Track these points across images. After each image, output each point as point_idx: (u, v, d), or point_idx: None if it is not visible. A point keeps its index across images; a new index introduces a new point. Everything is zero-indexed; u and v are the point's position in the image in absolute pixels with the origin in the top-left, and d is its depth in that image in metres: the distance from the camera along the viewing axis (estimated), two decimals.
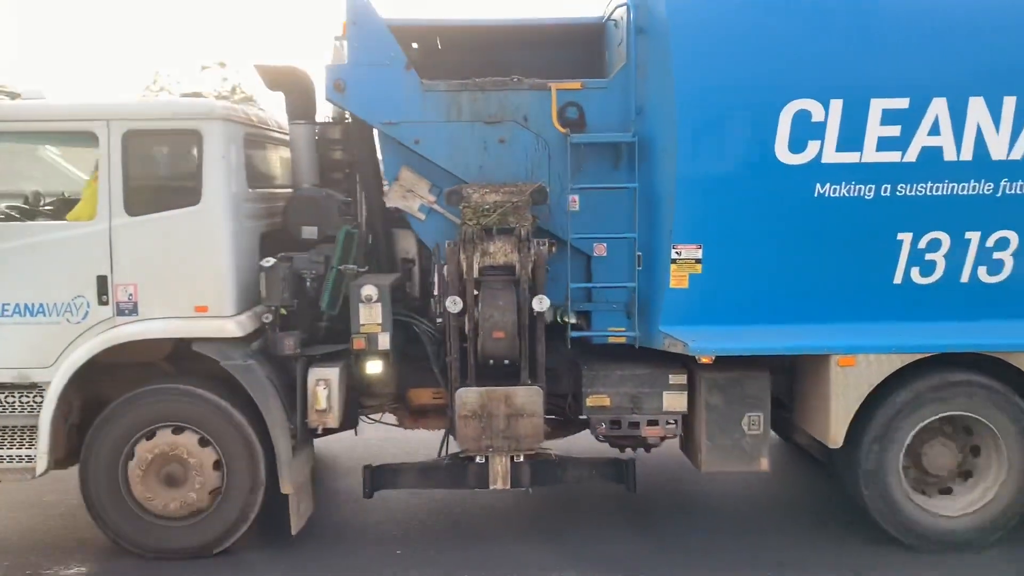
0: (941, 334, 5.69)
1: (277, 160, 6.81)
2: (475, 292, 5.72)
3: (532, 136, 5.98)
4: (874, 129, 5.52)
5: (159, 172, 5.81)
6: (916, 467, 5.92)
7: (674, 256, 5.66)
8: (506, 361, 5.71)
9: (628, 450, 6.40)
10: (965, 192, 5.59)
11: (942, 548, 5.80)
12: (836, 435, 5.73)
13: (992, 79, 5.52)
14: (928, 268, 5.68)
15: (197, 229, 5.65)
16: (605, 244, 6.00)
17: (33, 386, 5.71)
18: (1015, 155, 5.55)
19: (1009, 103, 5.51)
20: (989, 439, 5.83)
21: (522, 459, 5.87)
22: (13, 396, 5.73)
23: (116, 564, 5.78)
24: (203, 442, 5.70)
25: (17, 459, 5.69)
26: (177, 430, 5.70)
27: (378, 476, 5.96)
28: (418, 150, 6.00)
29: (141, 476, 5.67)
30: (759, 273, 5.70)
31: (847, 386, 5.70)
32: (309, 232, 6.23)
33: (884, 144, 5.54)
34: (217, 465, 5.71)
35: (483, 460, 5.84)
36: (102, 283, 5.62)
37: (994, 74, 5.53)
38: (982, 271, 5.68)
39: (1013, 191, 5.58)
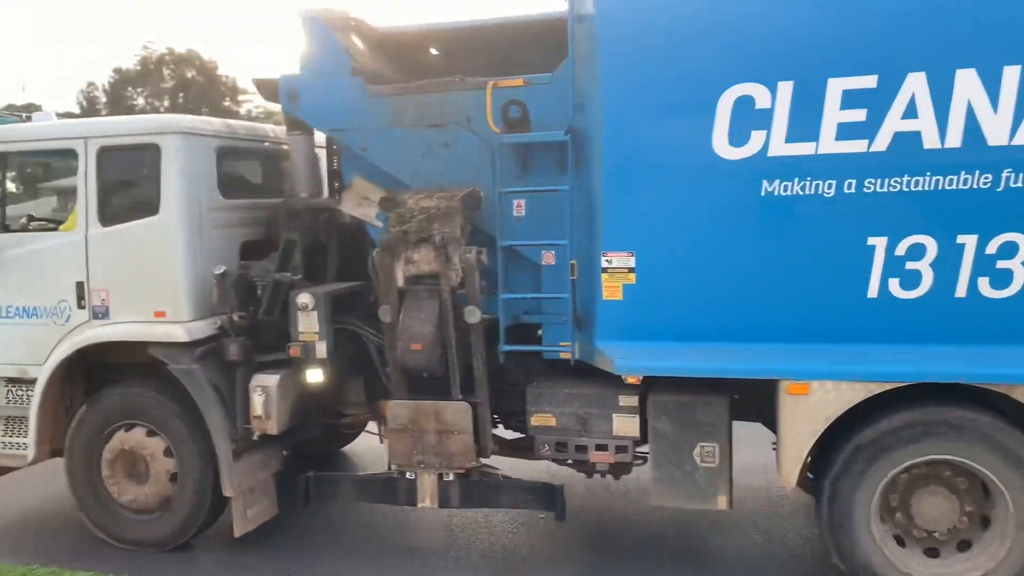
0: (925, 360, 4.66)
1: (274, 170, 6.98)
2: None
3: (476, 139, 5.66)
4: (833, 114, 4.66)
5: (127, 185, 6.18)
6: (905, 522, 4.90)
7: (605, 264, 5.11)
8: (424, 374, 5.45)
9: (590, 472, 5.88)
10: (955, 187, 4.55)
11: None
12: (787, 474, 4.89)
13: (987, 45, 4.45)
14: (911, 280, 4.67)
15: (156, 238, 5.94)
16: (553, 252, 5.55)
17: (33, 381, 6.28)
18: (1020, 139, 4.43)
19: (1011, 74, 4.41)
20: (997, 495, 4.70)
21: (451, 477, 5.57)
22: (21, 390, 6.35)
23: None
24: (159, 441, 5.99)
25: (16, 447, 6.29)
26: (141, 429, 6.03)
27: (317, 486, 5.92)
28: (366, 157, 5.91)
29: (110, 471, 6.07)
30: (699, 284, 4.98)
31: (799, 418, 4.84)
32: None
33: (846, 131, 4.65)
34: (172, 464, 5.98)
35: (414, 476, 5.62)
36: (80, 289, 6.08)
37: (990, 39, 4.45)
38: (983, 283, 4.58)
39: (1019, 184, 4.46)
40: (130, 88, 39.77)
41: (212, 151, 6.15)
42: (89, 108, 37.36)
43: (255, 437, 5.85)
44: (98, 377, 6.38)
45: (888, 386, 4.73)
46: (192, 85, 38.87)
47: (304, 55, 5.94)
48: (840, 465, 4.85)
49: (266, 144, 6.84)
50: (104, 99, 39.27)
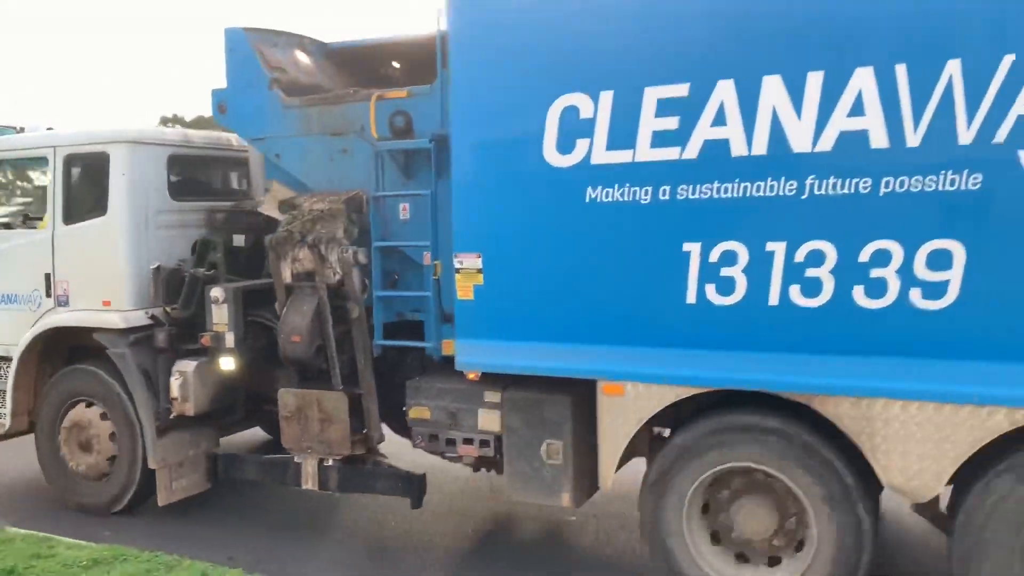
0: (736, 366, 4.66)
1: (240, 176, 7.61)
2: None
3: (369, 146, 6.05)
4: (648, 122, 4.75)
5: (84, 188, 6.93)
6: (724, 526, 4.90)
7: (457, 265, 5.38)
8: (303, 365, 5.89)
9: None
10: (761, 194, 4.54)
11: None
12: (604, 476, 5.00)
13: (792, 51, 4.43)
14: (726, 286, 4.68)
15: (103, 236, 6.67)
16: (429, 253, 5.86)
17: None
18: (823, 147, 4.38)
19: (814, 80, 4.38)
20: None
21: (331, 463, 5.98)
22: (5, 367, 7.26)
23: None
24: (103, 416, 6.73)
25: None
26: (89, 404, 6.80)
27: (224, 464, 6.48)
28: (279, 164, 6.42)
29: (65, 442, 6.87)
30: (537, 286, 5.16)
31: (614, 418, 4.94)
32: (238, 240, 6.98)
33: (660, 139, 4.73)
34: (113, 436, 6.70)
35: (300, 460, 6.07)
36: (48, 280, 6.91)
37: (794, 45, 4.43)
38: (794, 292, 4.54)
39: (823, 192, 4.41)
40: None
41: (163, 159, 6.84)
42: None
43: (171, 417, 6.46)
44: (76, 358, 7.21)
45: (693, 391, 4.76)
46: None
47: (228, 70, 6.52)
48: (654, 470, 4.91)
49: (228, 152, 7.48)
50: None
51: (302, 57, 6.99)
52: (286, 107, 6.33)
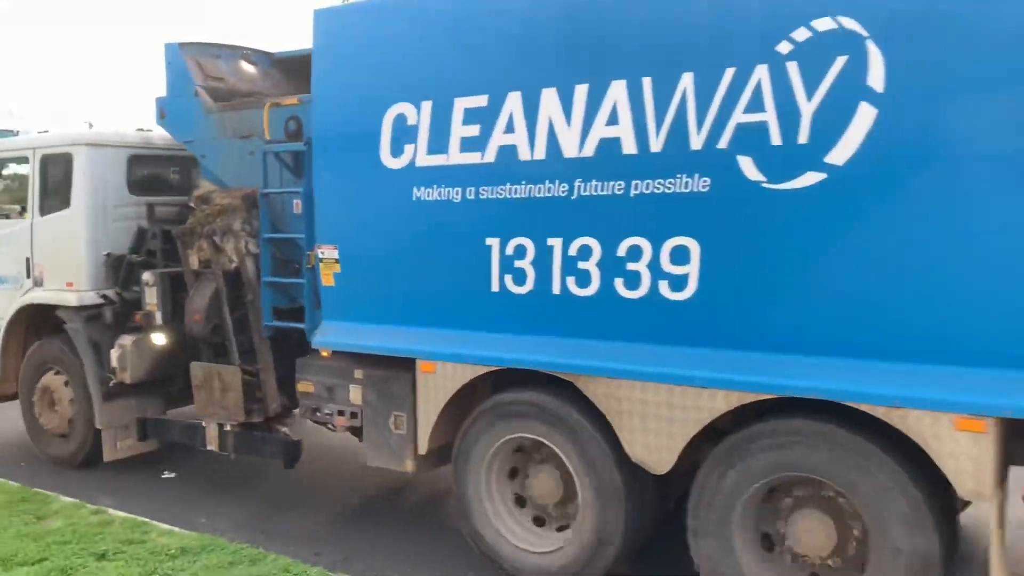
0: (522, 348, 5.19)
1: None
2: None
3: None
4: (457, 129, 5.33)
5: (54, 184, 7.97)
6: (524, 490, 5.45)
7: (320, 255, 6.08)
8: (204, 341, 6.73)
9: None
10: (542, 194, 5.05)
11: None
12: (421, 444, 5.60)
13: (563, 67, 4.93)
14: (520, 277, 5.21)
15: (67, 226, 7.70)
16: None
17: None
18: (587, 151, 4.86)
19: (580, 92, 4.86)
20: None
21: (228, 428, 6.80)
22: None
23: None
24: (66, 383, 7.79)
25: None
26: (57, 372, 7.88)
27: (151, 426, 7.41)
28: (204, 163, 7.27)
29: (38, 402, 7.98)
30: (377, 274, 5.82)
31: (427, 393, 5.54)
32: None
33: (467, 145, 5.30)
34: (72, 401, 7.75)
35: (205, 425, 6.93)
36: (27, 263, 8.01)
37: (565, 61, 4.92)
38: (571, 283, 5.03)
39: (588, 192, 4.89)
40: None
41: (123, 158, 7.81)
42: None
43: (111, 384, 7.42)
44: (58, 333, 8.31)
45: (485, 370, 5.31)
46: None
47: (167, 80, 7.41)
48: (459, 439, 5.49)
49: (186, 152, 8.38)
50: None
51: (246, 67, 7.83)
52: (207, 112, 7.17)
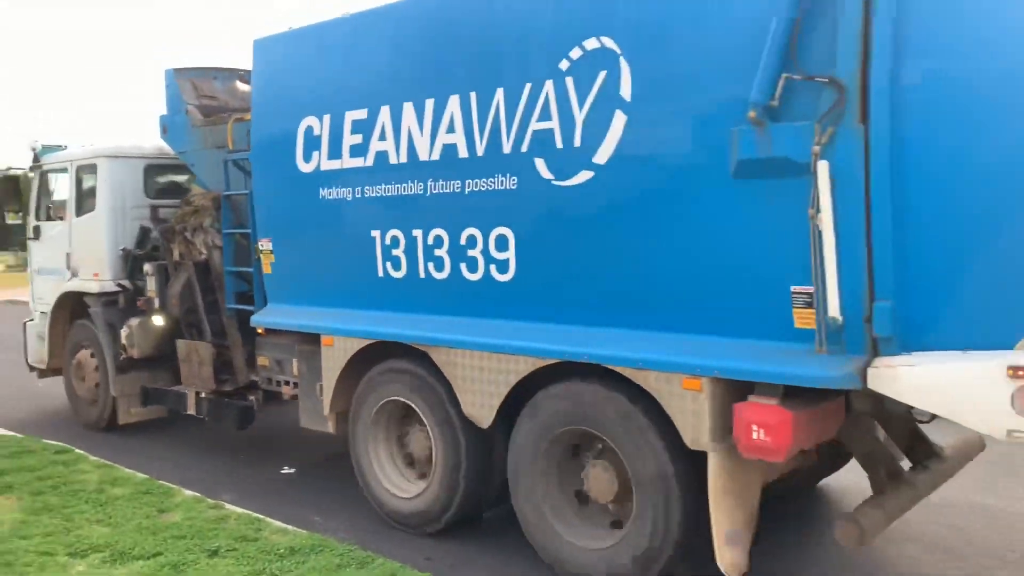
0: (396, 324, 6.08)
1: None
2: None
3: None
4: (348, 138, 6.27)
5: (87, 190, 9.40)
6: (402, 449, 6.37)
7: (260, 247, 7.16)
8: (182, 321, 7.94)
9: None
10: (407, 192, 5.93)
11: (409, 528, 6.17)
12: (325, 408, 6.56)
13: (417, 83, 5.79)
14: (396, 263, 6.11)
15: (94, 226, 9.12)
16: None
17: None
18: (435, 155, 5.71)
19: (429, 105, 5.72)
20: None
21: (203, 395, 7.99)
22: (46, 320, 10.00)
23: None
24: (92, 356, 9.23)
25: (42, 355, 9.96)
26: (87, 350, 9.33)
27: (149, 395, 8.70)
28: (194, 171, 8.50)
29: (74, 374, 9.46)
30: (300, 263, 6.85)
31: (328, 363, 6.50)
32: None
33: (354, 151, 6.24)
34: (96, 371, 9.18)
35: (186, 392, 8.16)
36: (67, 257, 9.50)
37: (418, 78, 5.78)
38: (431, 267, 5.88)
39: (437, 191, 5.73)
40: None
41: (140, 167, 9.18)
42: None
43: (122, 359, 8.77)
44: None
45: (366, 342, 6.22)
46: None
47: (166, 100, 8.68)
48: (353, 404, 6.43)
49: None
50: None
51: (241, 86, 9.04)
52: (194, 127, 8.39)
